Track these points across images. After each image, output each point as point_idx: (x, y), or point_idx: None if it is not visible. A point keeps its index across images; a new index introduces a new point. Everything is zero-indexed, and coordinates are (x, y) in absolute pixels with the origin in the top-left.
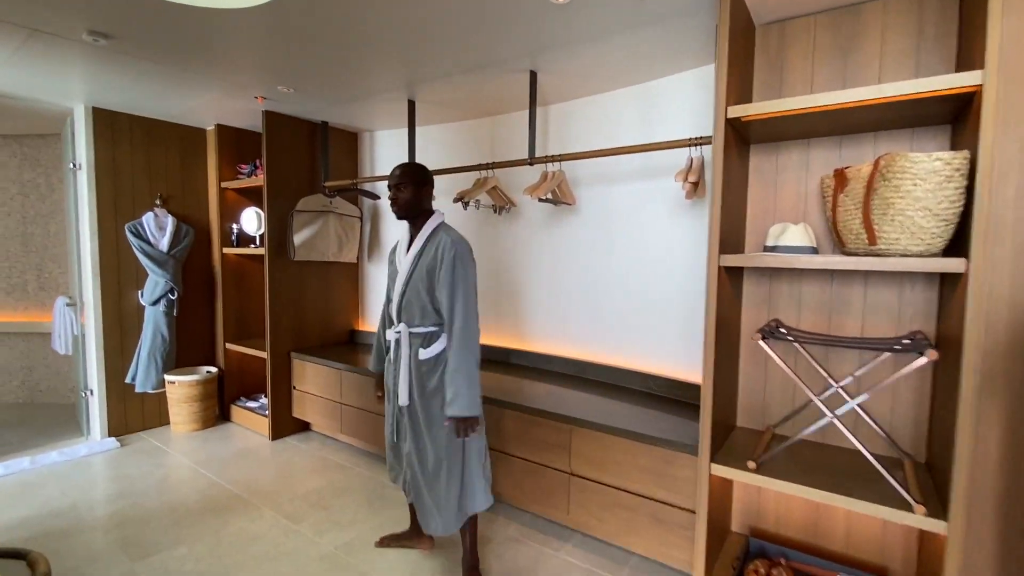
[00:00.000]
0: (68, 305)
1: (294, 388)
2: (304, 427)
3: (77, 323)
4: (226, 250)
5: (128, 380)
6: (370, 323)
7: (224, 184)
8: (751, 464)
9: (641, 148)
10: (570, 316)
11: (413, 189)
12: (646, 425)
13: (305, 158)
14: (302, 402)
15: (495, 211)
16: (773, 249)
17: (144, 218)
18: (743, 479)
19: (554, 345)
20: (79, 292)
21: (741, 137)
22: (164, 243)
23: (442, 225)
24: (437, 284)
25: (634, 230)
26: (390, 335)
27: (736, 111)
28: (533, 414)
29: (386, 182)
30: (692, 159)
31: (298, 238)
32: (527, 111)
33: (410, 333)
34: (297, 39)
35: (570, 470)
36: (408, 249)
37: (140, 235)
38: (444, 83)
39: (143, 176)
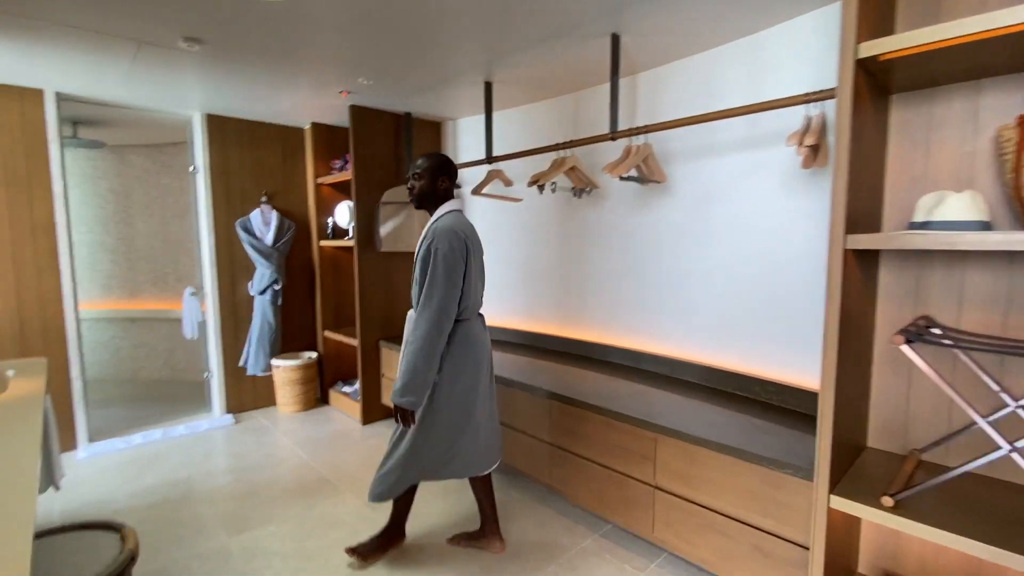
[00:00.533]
0: (193, 295)
1: (382, 375)
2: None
3: (200, 311)
4: (323, 243)
5: (241, 363)
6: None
7: (319, 180)
8: (886, 500)
9: (745, 110)
10: (660, 309)
11: (429, 179)
12: (747, 439)
13: (390, 150)
14: (389, 390)
15: (575, 194)
16: (924, 226)
17: (252, 214)
18: (875, 518)
19: (642, 341)
20: (201, 283)
21: (877, 84)
22: (269, 237)
23: (447, 215)
24: (423, 271)
25: (737, 209)
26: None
27: (871, 47)
28: (613, 417)
29: (465, 170)
30: (810, 118)
31: (384, 229)
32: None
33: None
34: (375, 24)
35: (655, 483)
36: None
37: (248, 230)
38: (522, 57)
39: (250, 175)
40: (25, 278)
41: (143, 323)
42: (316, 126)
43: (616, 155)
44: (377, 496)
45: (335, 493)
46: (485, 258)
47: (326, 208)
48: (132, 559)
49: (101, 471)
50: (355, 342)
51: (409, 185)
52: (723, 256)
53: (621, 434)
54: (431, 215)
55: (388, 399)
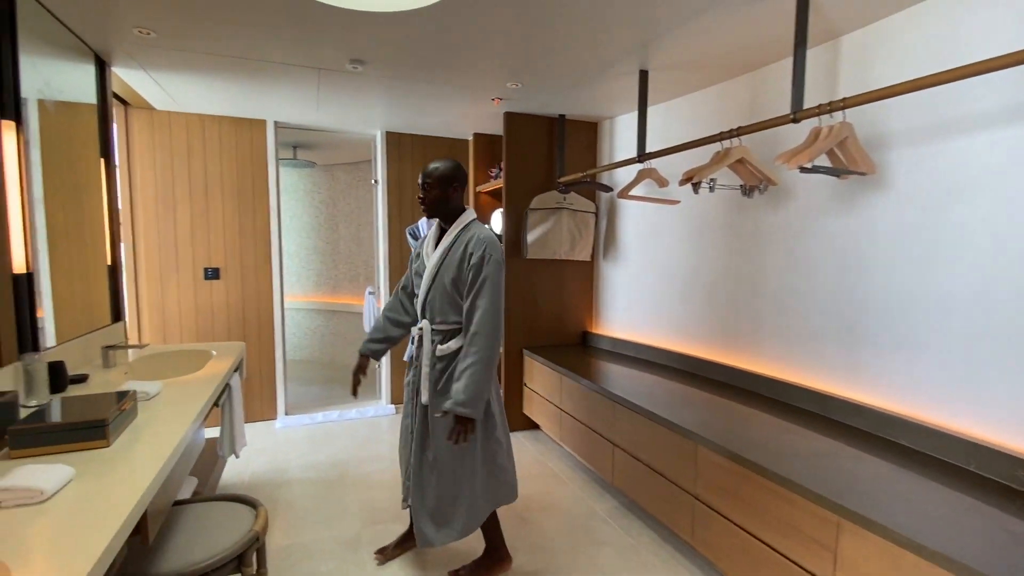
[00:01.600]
0: (371, 293)
1: (525, 385)
2: (536, 425)
3: (376, 308)
4: None
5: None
6: (605, 326)
7: (478, 188)
8: None
9: (1017, 57)
10: (865, 344)
11: (440, 188)
12: (999, 551)
13: (543, 155)
14: (531, 400)
15: (744, 192)
16: None
17: (420, 222)
18: None
19: (835, 383)
20: (377, 283)
21: None
22: None
23: (473, 223)
24: (461, 281)
25: (994, 210)
26: (414, 331)
27: None
28: (780, 483)
29: (620, 170)
30: None
31: (531, 236)
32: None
33: (432, 329)
34: (521, 20)
35: None
36: (436, 246)
37: (415, 236)
38: (682, 33)
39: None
40: (248, 275)
41: (341, 315)
42: (478, 136)
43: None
44: (462, 533)
45: None
46: (635, 267)
47: (484, 216)
48: (256, 539)
49: (287, 442)
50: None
51: (420, 195)
52: (970, 277)
53: (792, 508)
54: (446, 223)
55: (526, 409)
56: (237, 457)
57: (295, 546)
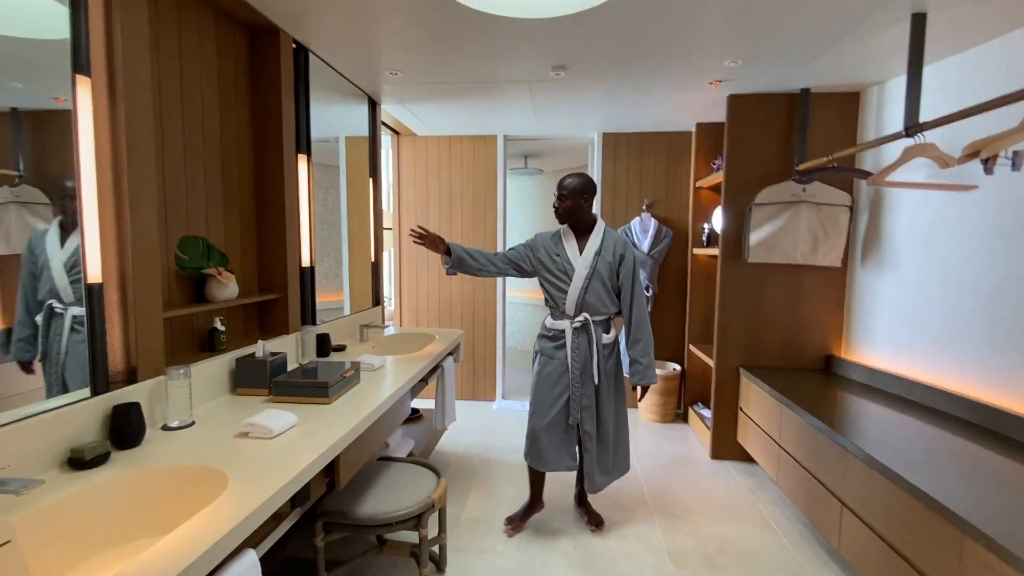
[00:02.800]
0: None
1: (740, 410)
2: (751, 457)
3: None
4: (696, 250)
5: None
6: (858, 351)
7: (698, 183)
8: None
9: None
10: None
11: (572, 199)
12: None
13: (776, 140)
14: (746, 428)
15: None
16: None
17: (632, 222)
18: None
19: None
20: None
21: None
22: (646, 245)
23: (607, 229)
24: (617, 278)
25: None
26: (564, 324)
27: None
28: None
29: (885, 145)
30: None
31: (754, 236)
32: None
33: (594, 322)
34: None
35: None
36: (581, 251)
37: (627, 237)
38: None
39: (635, 185)
40: None
41: None
42: (701, 127)
43: None
44: (621, 475)
45: (642, 522)
46: (909, 277)
47: (703, 213)
48: (432, 506)
49: (500, 424)
50: (711, 362)
51: (555, 205)
52: None
53: None
54: (580, 229)
55: (741, 438)
56: (445, 429)
57: (482, 520)
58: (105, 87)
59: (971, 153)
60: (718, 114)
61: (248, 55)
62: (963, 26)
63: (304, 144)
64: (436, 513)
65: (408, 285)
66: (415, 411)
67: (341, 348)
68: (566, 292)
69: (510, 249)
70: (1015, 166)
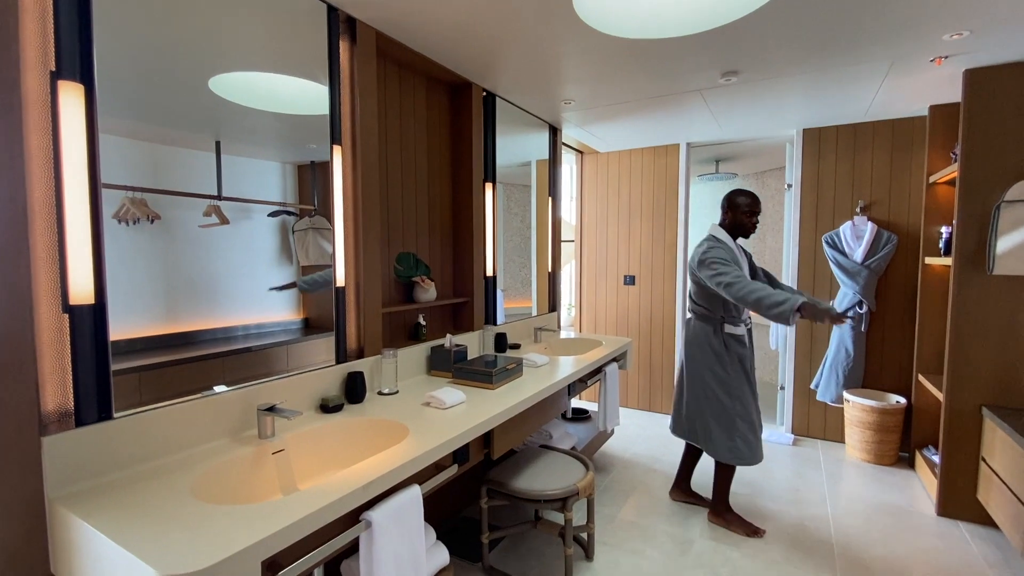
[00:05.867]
0: None
1: (982, 460)
2: (992, 520)
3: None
4: (929, 259)
5: (812, 386)
6: None
7: (932, 178)
8: None
9: None
10: None
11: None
12: None
13: None
14: (988, 484)
15: None
16: None
17: (841, 228)
18: None
19: None
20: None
21: None
22: (859, 253)
23: None
24: None
25: None
26: (742, 329)
27: None
28: None
29: None
30: None
31: (1003, 243)
32: None
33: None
34: None
35: None
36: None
37: (835, 245)
38: None
39: (845, 185)
40: (656, 282)
41: (755, 327)
42: (937, 109)
43: None
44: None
45: (823, 566)
46: None
47: (940, 215)
48: (576, 493)
49: (670, 438)
50: (942, 396)
51: (755, 221)
52: None
53: None
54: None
55: (982, 494)
56: (609, 432)
57: (636, 524)
58: (350, 150)
59: None
60: (957, 92)
61: (449, 106)
62: None
63: (490, 174)
64: (584, 501)
65: (588, 294)
66: (583, 411)
67: (516, 346)
68: None
69: (739, 274)
70: None
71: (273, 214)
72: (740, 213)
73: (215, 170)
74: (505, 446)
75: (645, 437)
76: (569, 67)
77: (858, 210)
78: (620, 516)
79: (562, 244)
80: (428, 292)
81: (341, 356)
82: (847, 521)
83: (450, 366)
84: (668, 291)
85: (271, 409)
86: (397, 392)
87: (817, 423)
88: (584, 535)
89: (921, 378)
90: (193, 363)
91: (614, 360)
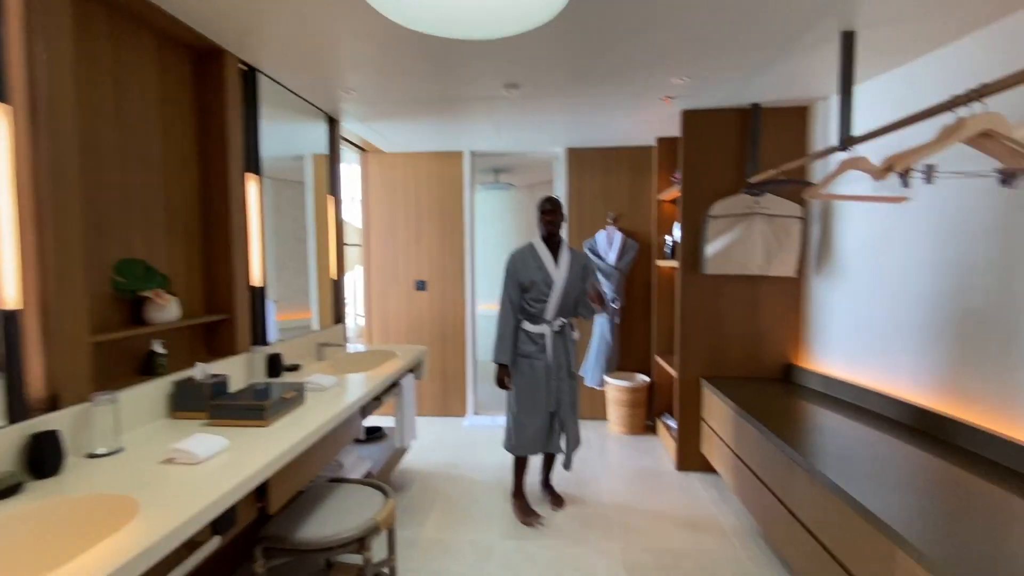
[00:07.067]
0: None
1: (703, 420)
2: (715, 467)
3: None
4: (659, 262)
5: (579, 372)
6: (815, 360)
7: (659, 196)
8: None
9: None
10: None
11: (560, 216)
12: None
13: (730, 154)
14: (709, 440)
15: (1003, 181)
16: None
17: (597, 235)
18: None
19: None
20: None
21: None
22: (612, 256)
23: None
24: (582, 286)
25: None
26: (544, 328)
27: None
28: None
29: (826, 158)
30: None
31: (710, 248)
32: None
33: (569, 324)
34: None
35: None
36: (556, 262)
37: (593, 250)
38: None
39: (600, 199)
40: (447, 286)
41: None
42: (662, 141)
43: None
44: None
45: (603, 537)
46: (858, 286)
47: (667, 225)
48: (376, 528)
49: (469, 440)
50: (675, 373)
51: (549, 219)
52: None
53: None
54: (554, 243)
55: (705, 448)
56: (406, 448)
57: (439, 541)
58: (27, 112)
59: (887, 167)
60: (677, 128)
61: (193, 78)
62: (897, 42)
63: (254, 164)
64: (384, 534)
65: (377, 302)
66: (377, 429)
67: (296, 368)
68: (547, 301)
69: (507, 299)
70: (927, 179)
71: None
72: (538, 217)
73: None
74: (286, 495)
75: (443, 445)
76: (348, 50)
77: (609, 221)
78: (423, 536)
79: (346, 248)
80: (166, 310)
81: (17, 412)
82: (615, 487)
83: (204, 404)
84: (458, 295)
85: None
86: (120, 451)
87: (587, 407)
88: (386, 570)
89: (658, 358)
90: None
91: (410, 371)
